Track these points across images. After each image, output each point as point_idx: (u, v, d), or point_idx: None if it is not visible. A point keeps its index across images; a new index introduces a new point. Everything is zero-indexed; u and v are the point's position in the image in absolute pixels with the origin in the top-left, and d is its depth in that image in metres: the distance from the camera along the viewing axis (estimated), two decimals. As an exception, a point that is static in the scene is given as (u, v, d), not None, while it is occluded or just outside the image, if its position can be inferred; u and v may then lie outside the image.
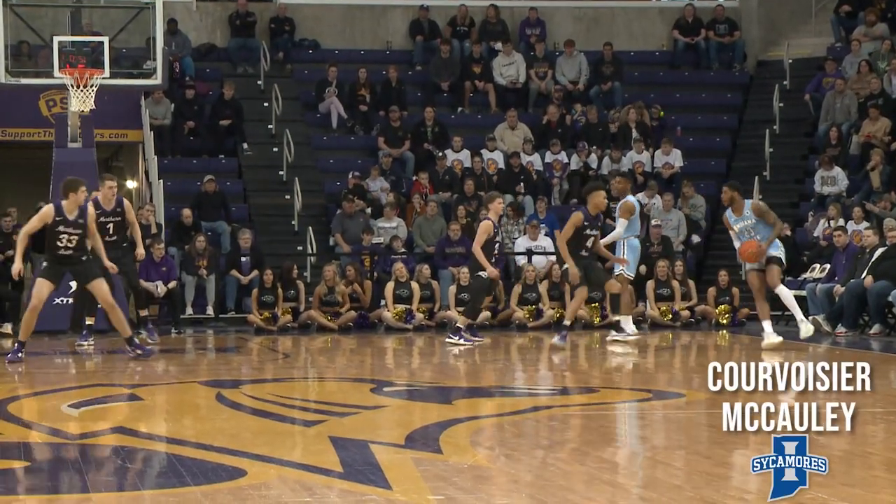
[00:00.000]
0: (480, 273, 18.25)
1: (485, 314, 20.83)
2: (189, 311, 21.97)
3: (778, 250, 16.48)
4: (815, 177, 24.76)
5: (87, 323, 17.51)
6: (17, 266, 15.44)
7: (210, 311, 22.16)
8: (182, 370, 14.90)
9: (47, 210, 15.32)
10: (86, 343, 17.48)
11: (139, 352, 15.47)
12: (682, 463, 8.63)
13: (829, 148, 25.22)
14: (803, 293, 20.84)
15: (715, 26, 28.53)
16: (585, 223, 17.19)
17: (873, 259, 19.68)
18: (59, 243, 15.21)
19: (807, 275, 21.62)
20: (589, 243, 17.27)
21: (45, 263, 15.48)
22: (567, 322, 17.74)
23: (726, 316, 21.45)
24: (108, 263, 16.25)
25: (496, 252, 18.54)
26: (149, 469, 8.76)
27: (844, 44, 27.70)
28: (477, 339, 18.27)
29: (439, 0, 29.28)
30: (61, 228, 15.19)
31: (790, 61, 27.88)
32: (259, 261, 22.17)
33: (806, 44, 28.51)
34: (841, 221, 22.25)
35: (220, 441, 9.67)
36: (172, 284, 21.01)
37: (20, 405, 11.70)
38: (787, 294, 16.74)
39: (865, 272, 19.58)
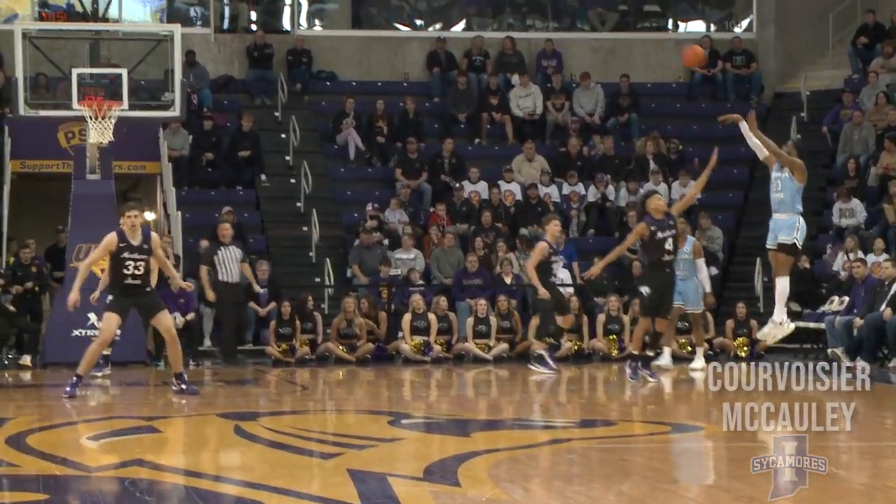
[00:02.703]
0: (539, 295, 18.43)
1: (567, 346, 20.83)
2: (206, 343, 21.97)
3: (791, 234, 15.22)
4: (833, 209, 24.71)
5: (104, 353, 17.42)
6: (73, 297, 15.03)
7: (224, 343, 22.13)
8: (200, 402, 14.88)
9: (110, 238, 14.95)
10: (100, 374, 17.45)
11: (184, 387, 15.26)
12: (704, 497, 8.60)
13: (847, 180, 25.17)
14: (822, 326, 20.80)
15: (732, 58, 28.54)
16: (550, 251, 17.99)
17: (892, 291, 19.63)
18: (125, 271, 14.90)
19: (825, 307, 21.55)
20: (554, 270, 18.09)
21: (110, 297, 15.11)
22: (635, 352, 17.43)
23: (745, 349, 21.38)
24: (181, 283, 16.18)
25: (553, 273, 18.61)
26: (167, 502, 8.76)
27: (862, 76, 27.69)
28: (552, 367, 18.26)
29: (456, 32, 29.39)
30: (126, 255, 14.93)
31: (807, 93, 27.86)
32: (277, 293, 22.18)
33: (823, 76, 28.50)
34: (860, 253, 22.19)
35: (237, 474, 9.67)
36: (190, 316, 21.00)
37: (39, 437, 11.70)
38: (782, 287, 15.42)
39: (885, 304, 19.51)
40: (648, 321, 17.12)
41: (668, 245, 16.76)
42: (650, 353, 17.32)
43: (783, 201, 15.33)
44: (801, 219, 15.43)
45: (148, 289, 15.13)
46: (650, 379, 16.73)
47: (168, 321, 15.25)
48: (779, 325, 15.55)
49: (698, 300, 19.02)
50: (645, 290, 17.02)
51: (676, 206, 18.09)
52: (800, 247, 15.66)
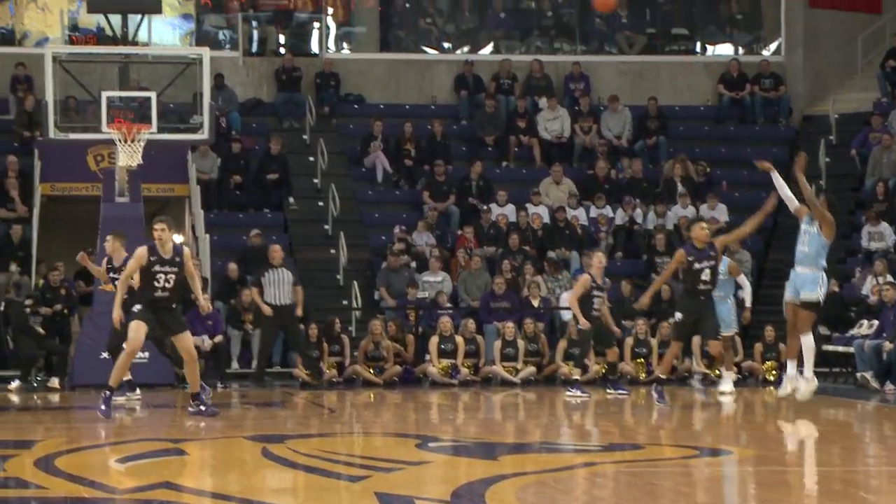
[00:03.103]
0: (580, 326, 18.70)
1: (595, 368, 20.92)
2: (234, 365, 22.00)
3: (815, 290, 15.49)
4: (861, 232, 24.63)
5: (126, 378, 17.42)
6: (116, 314, 15.09)
7: (255, 365, 22.17)
8: (227, 425, 14.90)
9: (141, 251, 15.05)
10: (123, 398, 17.45)
11: (202, 408, 15.33)
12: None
13: (876, 203, 25.09)
14: (851, 349, 20.71)
15: (760, 81, 28.50)
16: (592, 284, 18.42)
17: (922, 315, 19.54)
18: (156, 283, 14.98)
19: (854, 331, 21.46)
20: (596, 304, 18.35)
21: (137, 307, 15.14)
22: (662, 376, 17.46)
23: (773, 372, 21.30)
24: (202, 302, 16.14)
25: (595, 307, 18.72)
26: (195, 525, 8.76)
27: (890, 98, 27.61)
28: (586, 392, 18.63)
29: (484, 55, 29.42)
30: (157, 268, 15.03)
31: (836, 116, 27.79)
32: (304, 315, 22.20)
33: (852, 98, 28.43)
34: (889, 277, 22.09)
35: (265, 496, 9.68)
36: (218, 339, 21.05)
37: (68, 459, 11.73)
38: (809, 344, 15.71)
39: (914, 328, 19.43)
40: (679, 346, 17.18)
41: (705, 276, 16.75)
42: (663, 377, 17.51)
43: (808, 255, 15.56)
44: (825, 275, 15.69)
45: (174, 305, 15.20)
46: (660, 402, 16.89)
47: (189, 341, 15.29)
48: (811, 381, 15.78)
49: (731, 322, 18.95)
50: (678, 315, 17.08)
51: (721, 239, 17.76)
52: (822, 304, 15.76)
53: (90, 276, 21.23)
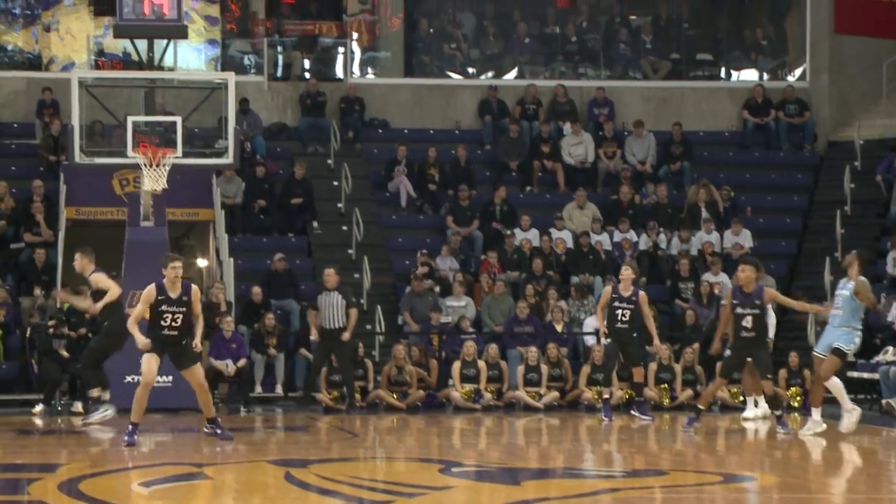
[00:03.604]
0: (603, 341, 19.12)
1: (618, 394, 20.99)
2: (258, 389, 22.01)
3: (849, 344, 15.88)
4: (887, 258, 24.54)
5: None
6: (142, 340, 15.03)
7: (279, 389, 22.20)
8: (251, 449, 14.91)
9: (149, 291, 15.10)
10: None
11: (218, 431, 15.37)
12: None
13: (902, 229, 25.01)
14: (876, 376, 20.61)
15: (785, 106, 28.45)
16: (613, 295, 18.58)
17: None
18: (163, 322, 15.04)
19: (879, 357, 21.35)
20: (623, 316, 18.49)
21: (148, 339, 15.13)
22: (702, 407, 17.50)
23: (797, 399, 21.21)
24: (198, 344, 15.54)
25: (619, 319, 18.84)
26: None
27: (916, 124, 27.57)
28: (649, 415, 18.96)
29: (508, 80, 29.46)
30: (164, 308, 15.06)
31: (861, 142, 27.73)
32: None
33: (877, 124, 28.37)
34: (914, 303, 22.00)
35: (289, 521, 9.66)
36: (242, 363, 21.07)
37: (91, 483, 11.74)
38: (836, 385, 16.13)
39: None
40: (723, 383, 17.38)
41: (747, 322, 16.68)
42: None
43: (841, 317, 15.88)
44: (860, 333, 16.01)
45: (184, 342, 15.17)
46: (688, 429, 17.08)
47: (199, 375, 15.28)
48: (852, 412, 16.26)
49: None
50: (726, 353, 17.26)
51: (771, 294, 17.53)
52: (850, 357, 16.30)
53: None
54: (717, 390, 17.70)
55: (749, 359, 17.17)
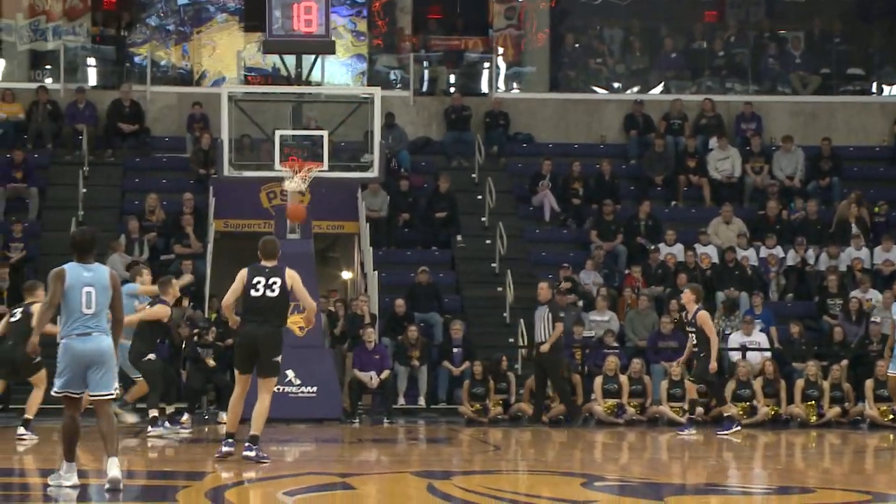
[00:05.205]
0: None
1: (764, 410, 20.94)
2: (401, 401, 22.13)
3: None
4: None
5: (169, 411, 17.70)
6: None
7: (422, 401, 22.29)
8: (394, 460, 14.99)
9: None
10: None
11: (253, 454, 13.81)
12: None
13: None
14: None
15: (939, 121, 27.92)
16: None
17: None
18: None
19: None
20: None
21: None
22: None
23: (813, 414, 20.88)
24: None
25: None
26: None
27: None
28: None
29: (654, 95, 29.30)
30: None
31: None
32: (470, 352, 22.28)
33: None
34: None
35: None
36: (385, 374, 21.21)
37: (237, 492, 11.90)
38: None
39: None
40: None
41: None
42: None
43: None
44: None
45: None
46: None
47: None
48: None
49: None
50: None
51: None
52: None
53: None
54: None
55: None
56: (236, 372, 13.98)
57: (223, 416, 20.30)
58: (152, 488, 12.21)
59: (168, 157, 27.39)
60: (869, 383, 20.98)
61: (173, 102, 28.02)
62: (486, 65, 29.56)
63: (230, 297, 13.97)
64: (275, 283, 13.90)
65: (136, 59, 29.13)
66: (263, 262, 14.11)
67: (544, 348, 20.48)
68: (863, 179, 27.42)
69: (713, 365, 18.96)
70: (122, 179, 26.73)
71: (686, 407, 20.04)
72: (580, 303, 23.81)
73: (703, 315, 18.97)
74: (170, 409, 18.16)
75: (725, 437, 18.55)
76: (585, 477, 13.43)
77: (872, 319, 22.63)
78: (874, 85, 30.15)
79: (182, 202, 24.90)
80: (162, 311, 17.37)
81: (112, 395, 11.33)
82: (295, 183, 20.46)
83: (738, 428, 19.06)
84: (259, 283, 13.89)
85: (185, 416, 19.64)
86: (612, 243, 25.41)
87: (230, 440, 13.89)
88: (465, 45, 29.79)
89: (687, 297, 19.15)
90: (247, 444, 13.66)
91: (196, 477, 13.09)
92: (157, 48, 29.18)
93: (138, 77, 28.39)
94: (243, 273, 14.00)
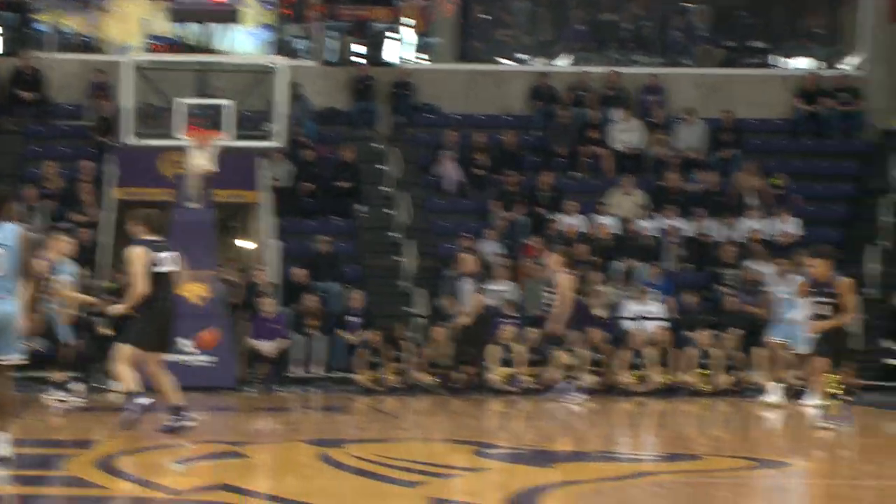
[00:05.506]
0: None
1: (657, 379, 20.98)
2: (298, 370, 22.09)
3: None
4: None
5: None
6: None
7: (319, 370, 22.29)
8: (287, 429, 15.02)
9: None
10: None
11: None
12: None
13: (949, 219, 24.80)
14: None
15: (837, 95, 28.25)
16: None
17: None
18: None
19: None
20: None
21: None
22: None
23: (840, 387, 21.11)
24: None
25: None
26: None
27: (971, 114, 27.29)
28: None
29: (560, 66, 29.40)
30: None
31: (914, 131, 27.50)
32: (370, 321, 22.33)
33: (931, 113, 28.12)
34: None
35: (321, 500, 9.76)
36: (281, 343, 21.19)
37: (127, 460, 11.88)
38: None
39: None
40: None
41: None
42: None
43: None
44: None
45: None
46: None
47: None
48: None
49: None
50: None
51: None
52: None
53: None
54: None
55: None
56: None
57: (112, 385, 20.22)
58: (42, 457, 12.15)
59: (69, 125, 27.08)
60: (760, 352, 21.27)
61: (76, 70, 27.68)
62: (394, 35, 29.48)
63: (143, 281, 13.63)
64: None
65: (40, 27, 28.77)
66: (153, 237, 13.85)
67: (467, 320, 20.58)
68: (764, 152, 27.66)
69: (556, 326, 19.18)
70: (23, 148, 26.43)
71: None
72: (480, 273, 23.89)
73: (564, 278, 19.23)
74: (61, 377, 18.00)
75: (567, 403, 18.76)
76: (478, 445, 13.56)
77: (765, 290, 22.90)
78: (776, 58, 30.45)
79: (80, 170, 24.64)
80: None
81: (7, 360, 10.81)
82: (202, 160, 20.39)
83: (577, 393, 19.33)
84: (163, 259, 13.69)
85: (77, 385, 19.50)
86: (514, 214, 25.51)
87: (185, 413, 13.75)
88: (373, 15, 29.68)
89: (554, 259, 19.32)
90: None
91: (85, 445, 13.06)
92: (61, 15, 28.83)
93: (42, 45, 28.05)
94: (141, 251, 13.68)
